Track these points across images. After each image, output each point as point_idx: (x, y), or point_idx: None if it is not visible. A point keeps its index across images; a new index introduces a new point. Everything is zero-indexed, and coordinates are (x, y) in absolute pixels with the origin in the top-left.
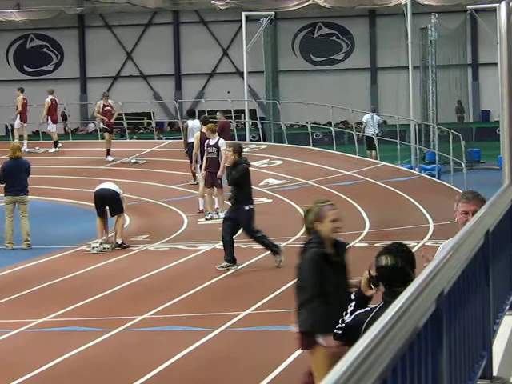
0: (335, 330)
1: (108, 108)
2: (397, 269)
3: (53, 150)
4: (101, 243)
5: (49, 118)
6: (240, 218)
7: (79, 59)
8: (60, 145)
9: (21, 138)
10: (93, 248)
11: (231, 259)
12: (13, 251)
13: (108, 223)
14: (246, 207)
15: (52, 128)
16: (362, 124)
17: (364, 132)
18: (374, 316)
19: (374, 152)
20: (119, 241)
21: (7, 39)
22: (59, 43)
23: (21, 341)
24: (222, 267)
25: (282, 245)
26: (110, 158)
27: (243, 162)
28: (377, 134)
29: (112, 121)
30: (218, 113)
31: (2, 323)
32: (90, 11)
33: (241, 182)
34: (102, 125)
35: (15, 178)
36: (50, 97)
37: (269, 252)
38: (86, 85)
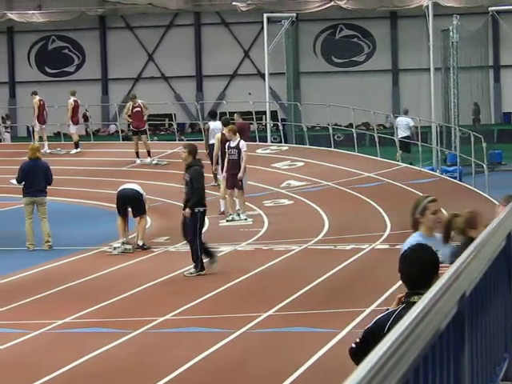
0: (352, 344)
1: (138, 109)
2: (420, 271)
3: (73, 151)
4: (122, 243)
5: (70, 119)
6: (189, 220)
7: (101, 60)
8: (79, 147)
9: (41, 139)
10: (114, 249)
11: (198, 264)
12: (34, 252)
13: (129, 224)
14: (196, 209)
15: (73, 129)
16: (383, 126)
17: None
18: (396, 318)
19: (405, 154)
20: (140, 242)
21: (29, 40)
22: (81, 44)
23: (42, 342)
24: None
25: (302, 246)
26: (138, 161)
27: (197, 163)
28: (408, 137)
29: (144, 120)
30: (235, 114)
31: (24, 324)
32: (112, 12)
33: (196, 183)
34: (131, 127)
35: (33, 178)
36: (73, 98)
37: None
38: (108, 86)
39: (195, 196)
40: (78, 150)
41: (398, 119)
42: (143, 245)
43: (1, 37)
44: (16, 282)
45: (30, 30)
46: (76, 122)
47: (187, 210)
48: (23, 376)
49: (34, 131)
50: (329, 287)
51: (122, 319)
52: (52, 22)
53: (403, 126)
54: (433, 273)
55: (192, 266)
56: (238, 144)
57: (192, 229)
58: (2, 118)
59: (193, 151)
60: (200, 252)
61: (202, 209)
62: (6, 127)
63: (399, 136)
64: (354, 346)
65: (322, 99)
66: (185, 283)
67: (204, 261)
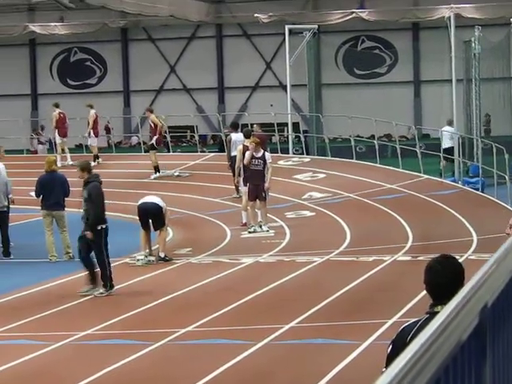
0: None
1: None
2: (445, 282)
3: (92, 163)
4: (145, 256)
5: (91, 131)
6: (91, 238)
7: (122, 72)
8: (99, 160)
9: (63, 151)
10: (138, 260)
11: (107, 283)
12: (56, 264)
13: (151, 236)
14: (99, 227)
15: (93, 142)
16: (405, 137)
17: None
18: (419, 328)
19: (447, 163)
20: (162, 254)
21: (51, 52)
22: (102, 56)
23: (64, 353)
24: (102, 293)
25: (324, 258)
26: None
27: (95, 179)
28: (451, 148)
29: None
30: (255, 125)
31: (46, 336)
32: (134, 24)
33: (95, 200)
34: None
35: (50, 191)
36: (93, 110)
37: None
38: (130, 98)
39: (96, 213)
40: (96, 162)
41: (443, 129)
42: (165, 257)
43: (23, 49)
44: (38, 293)
45: (53, 42)
46: (96, 135)
47: (88, 232)
48: None
49: (55, 144)
50: (351, 299)
51: (144, 331)
52: (74, 34)
53: (448, 136)
54: (458, 284)
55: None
56: (263, 155)
57: (97, 248)
58: (34, 129)
59: (86, 167)
60: (108, 270)
61: (104, 226)
62: (38, 139)
63: (444, 146)
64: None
65: (344, 111)
66: (206, 295)
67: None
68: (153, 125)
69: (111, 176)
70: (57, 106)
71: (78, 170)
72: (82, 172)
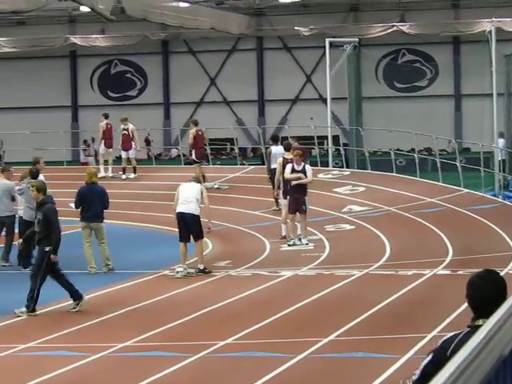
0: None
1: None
2: (488, 296)
3: (129, 175)
4: (185, 268)
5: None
6: (36, 257)
7: (163, 85)
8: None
9: (106, 162)
10: (177, 272)
11: (30, 306)
12: (96, 276)
13: (189, 248)
14: (47, 248)
15: (132, 154)
16: (446, 151)
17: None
18: (460, 341)
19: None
20: (201, 266)
21: (92, 64)
22: (143, 68)
23: (102, 365)
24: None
25: (364, 271)
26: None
27: (49, 200)
28: (503, 161)
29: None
30: (290, 138)
31: (85, 347)
32: (174, 37)
33: (54, 222)
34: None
35: (89, 203)
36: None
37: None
38: (170, 110)
39: (56, 236)
40: (125, 175)
41: (498, 141)
42: (204, 268)
43: (64, 61)
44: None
45: (93, 53)
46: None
47: (53, 256)
48: None
49: (97, 154)
50: (390, 312)
51: (183, 343)
52: (115, 46)
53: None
54: (501, 298)
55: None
56: (304, 167)
57: (37, 267)
58: (85, 141)
59: (42, 188)
60: (37, 293)
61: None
62: (84, 150)
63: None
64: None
65: (384, 124)
66: (246, 307)
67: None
68: (191, 138)
69: (150, 188)
70: (106, 116)
71: (33, 190)
72: (37, 193)
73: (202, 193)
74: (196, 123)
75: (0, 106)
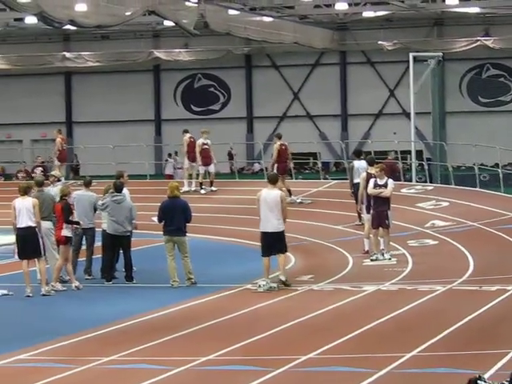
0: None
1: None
2: None
3: (214, 188)
4: (267, 282)
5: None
6: None
7: (246, 99)
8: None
9: (190, 177)
10: (259, 286)
11: None
12: (178, 289)
13: (272, 263)
14: None
15: (212, 169)
16: None
17: None
18: None
19: None
20: (282, 278)
21: (175, 78)
22: (226, 83)
23: (185, 379)
24: None
25: (447, 287)
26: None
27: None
28: None
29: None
30: (389, 154)
31: (167, 361)
32: (258, 51)
33: None
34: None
35: (172, 217)
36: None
37: None
38: (253, 124)
39: None
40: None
41: None
42: (285, 280)
43: (148, 75)
44: (160, 318)
45: (177, 68)
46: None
47: None
48: None
49: (181, 168)
50: (474, 328)
51: (265, 357)
52: (198, 61)
53: None
54: None
55: None
56: (387, 182)
57: None
58: (169, 154)
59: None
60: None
61: None
62: (167, 161)
63: None
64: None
65: (468, 139)
66: (328, 322)
67: None
68: (276, 152)
69: (233, 202)
70: (186, 131)
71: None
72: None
73: (282, 201)
74: (280, 137)
75: (83, 119)
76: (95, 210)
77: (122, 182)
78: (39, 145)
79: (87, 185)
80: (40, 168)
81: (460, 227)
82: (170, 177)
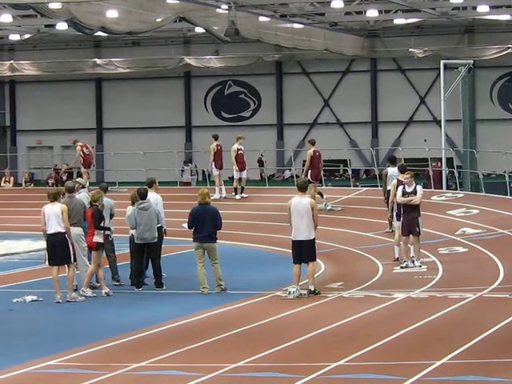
0: None
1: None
2: None
3: (245, 195)
4: (298, 289)
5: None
6: None
7: (276, 105)
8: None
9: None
10: (289, 293)
11: None
12: (208, 296)
13: (302, 270)
14: None
15: (245, 174)
16: None
17: None
18: None
19: None
20: (311, 287)
21: (206, 85)
22: (257, 89)
23: None
24: None
25: (477, 294)
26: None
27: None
28: None
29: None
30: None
31: (197, 367)
32: (288, 58)
33: None
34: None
35: (202, 224)
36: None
37: None
38: (283, 131)
39: None
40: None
41: None
42: (314, 290)
43: (178, 81)
44: (190, 324)
45: (207, 74)
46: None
47: None
48: None
49: (210, 175)
50: (504, 336)
51: (295, 364)
52: (229, 67)
53: None
54: None
55: None
56: (415, 188)
57: None
58: (185, 162)
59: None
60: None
61: None
62: (183, 170)
63: None
64: None
65: (499, 146)
66: (358, 329)
67: None
68: (308, 158)
69: (263, 209)
70: (216, 138)
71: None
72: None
73: (312, 208)
74: (313, 143)
75: (113, 126)
76: (112, 215)
77: (147, 189)
78: (70, 151)
79: (104, 190)
80: (66, 174)
81: (490, 235)
82: (188, 183)
